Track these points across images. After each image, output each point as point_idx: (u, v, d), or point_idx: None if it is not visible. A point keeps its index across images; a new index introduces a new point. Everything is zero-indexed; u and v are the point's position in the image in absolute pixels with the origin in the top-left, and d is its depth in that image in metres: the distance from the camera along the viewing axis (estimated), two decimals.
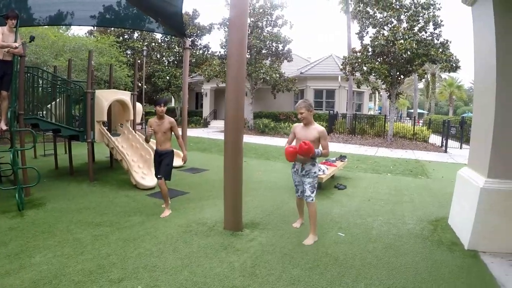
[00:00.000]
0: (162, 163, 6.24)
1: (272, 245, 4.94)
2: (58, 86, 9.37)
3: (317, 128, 5.18)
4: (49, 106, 8.92)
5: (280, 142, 17.59)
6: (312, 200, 5.13)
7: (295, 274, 4.17)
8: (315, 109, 26.38)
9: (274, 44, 24.73)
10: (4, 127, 7.00)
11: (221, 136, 20.50)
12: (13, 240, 4.39)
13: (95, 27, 27.97)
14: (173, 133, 6.38)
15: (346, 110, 25.70)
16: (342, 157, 10.20)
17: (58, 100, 9.12)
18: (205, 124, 29.74)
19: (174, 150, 6.43)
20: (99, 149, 11.47)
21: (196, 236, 5.24)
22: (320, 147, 5.16)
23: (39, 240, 4.98)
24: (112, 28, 27.68)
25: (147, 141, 6.62)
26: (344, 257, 4.71)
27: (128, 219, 5.98)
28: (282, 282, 3.97)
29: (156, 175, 6.42)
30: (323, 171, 8.04)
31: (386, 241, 5.37)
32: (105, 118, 9.05)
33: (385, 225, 6.11)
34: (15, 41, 6.77)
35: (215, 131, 24.87)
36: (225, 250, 4.77)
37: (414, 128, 22.39)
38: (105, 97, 8.95)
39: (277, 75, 24.24)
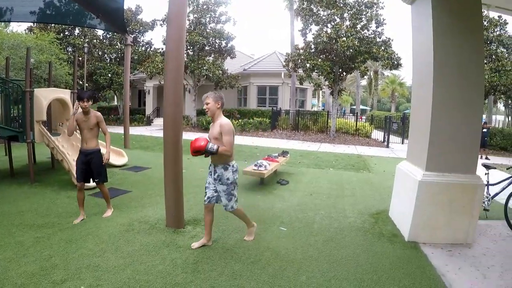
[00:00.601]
0: (92, 165, 5.85)
1: (214, 241, 5.02)
2: None
3: (221, 122, 4.54)
4: None
5: None
6: (232, 208, 4.75)
7: (237, 269, 4.29)
8: (258, 106, 27.12)
9: (217, 41, 24.73)
10: None
11: (161, 134, 20.25)
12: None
13: (35, 24, 27.07)
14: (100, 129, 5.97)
15: (290, 107, 26.21)
16: (284, 153, 10.45)
17: None
18: (148, 122, 29.30)
19: (116, 148, 6.34)
20: (40, 149, 11.11)
21: (138, 235, 5.24)
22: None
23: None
24: (53, 25, 26.73)
25: (70, 133, 5.97)
26: (286, 251, 4.87)
27: (70, 220, 5.89)
28: (224, 277, 4.07)
29: (81, 180, 5.87)
30: (265, 166, 8.19)
31: (328, 234, 5.57)
32: (44, 118, 8.78)
33: (327, 218, 6.35)
34: None
35: (158, 129, 24.55)
36: (168, 247, 4.82)
37: (356, 124, 23.23)
38: (44, 96, 8.69)
39: (220, 72, 24.26)
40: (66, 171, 8.58)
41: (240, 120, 23.16)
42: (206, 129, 23.65)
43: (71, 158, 8.34)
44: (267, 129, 23.10)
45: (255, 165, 8.27)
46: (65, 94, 9.41)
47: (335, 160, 13.26)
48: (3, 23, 22.17)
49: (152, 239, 5.11)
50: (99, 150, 5.96)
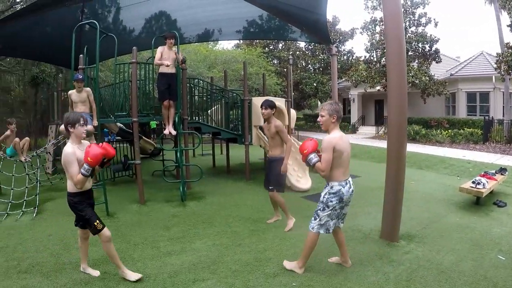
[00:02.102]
0: (271, 172, 5.72)
1: (428, 261, 4.49)
2: (215, 94, 10.45)
3: (327, 136, 4.00)
4: (208, 111, 9.84)
5: (432, 150, 16.21)
6: (312, 229, 4.05)
7: None
8: (468, 115, 24.29)
9: (420, 45, 23.15)
10: (173, 132, 7.67)
11: (370, 143, 19.88)
12: (175, 225, 4.71)
13: (241, 40, 29.62)
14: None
15: (503, 116, 22.68)
16: (502, 170, 8.95)
17: (215, 107, 10.11)
18: (353, 130, 29.14)
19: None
20: (252, 151, 11.99)
21: (351, 242, 5.04)
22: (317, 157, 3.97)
23: (199, 228, 5.33)
24: (258, 40, 28.97)
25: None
26: (504, 284, 4.00)
27: (284, 218, 5.97)
28: None
29: (266, 186, 5.85)
30: (483, 184, 7.10)
31: None
32: (261, 123, 9.42)
33: None
34: (176, 58, 7.55)
35: (363, 137, 24.14)
36: (380, 259, 4.51)
37: None
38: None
39: (427, 78, 22.49)
40: None
41: (449, 131, 21.13)
42: (413, 139, 21.41)
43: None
44: (479, 141, 20.36)
45: (473, 182, 7.28)
46: (280, 102, 9.94)
47: None
48: (212, 42, 25.32)
49: (365, 248, 4.86)
50: (282, 158, 5.61)
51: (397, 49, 5.00)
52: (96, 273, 4.14)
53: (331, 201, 3.91)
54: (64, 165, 3.73)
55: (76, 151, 3.73)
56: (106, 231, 3.87)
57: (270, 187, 5.71)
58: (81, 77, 6.84)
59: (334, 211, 3.96)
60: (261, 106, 5.64)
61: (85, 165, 3.58)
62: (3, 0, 18.94)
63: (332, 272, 4.13)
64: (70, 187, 3.83)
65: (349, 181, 3.97)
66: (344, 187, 3.90)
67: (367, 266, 4.30)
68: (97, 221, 3.84)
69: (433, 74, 23.47)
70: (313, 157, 3.91)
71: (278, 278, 3.97)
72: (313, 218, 4.04)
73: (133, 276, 3.97)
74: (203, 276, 4.06)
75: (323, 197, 3.98)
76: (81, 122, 3.81)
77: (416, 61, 23.80)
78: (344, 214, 4.17)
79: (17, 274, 4.23)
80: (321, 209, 3.97)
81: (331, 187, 3.93)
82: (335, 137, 3.88)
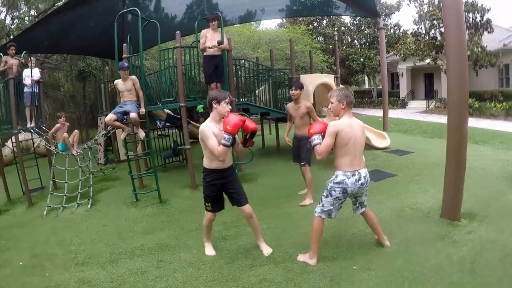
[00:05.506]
0: (302, 148, 5.85)
1: (491, 242, 4.13)
2: (262, 74, 10.22)
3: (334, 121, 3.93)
4: (256, 92, 9.66)
5: (487, 124, 15.20)
6: (315, 212, 3.90)
7: None
8: None
9: (470, 15, 21.65)
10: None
11: (421, 118, 19.06)
12: (228, 210, 4.55)
13: (284, 19, 29.09)
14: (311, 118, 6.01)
15: None
16: None
17: (262, 87, 9.88)
18: (403, 105, 28.12)
19: (378, 131, 5.94)
20: None
21: (411, 222, 4.79)
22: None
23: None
24: (301, 18, 28.41)
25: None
26: None
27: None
28: (503, 286, 3.31)
29: (295, 161, 6.19)
30: None
31: None
32: (311, 101, 9.19)
33: None
34: (221, 39, 7.31)
35: (414, 112, 23.20)
36: (442, 240, 4.22)
37: None
38: (310, 81, 9.04)
39: (479, 49, 21.18)
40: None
41: (504, 104, 19.75)
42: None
43: None
44: None
45: None
46: (329, 79, 9.66)
47: None
48: (255, 22, 25.04)
49: (425, 228, 4.57)
50: None
51: (456, 21, 4.66)
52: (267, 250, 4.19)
53: (334, 190, 3.75)
54: (202, 140, 3.77)
55: (213, 128, 3.74)
56: (208, 215, 4.14)
57: (302, 163, 5.92)
58: (126, 65, 6.83)
59: (338, 200, 3.78)
60: (291, 87, 6.01)
61: (224, 134, 3.56)
62: None
63: (392, 254, 3.92)
64: (205, 162, 3.93)
65: (358, 173, 3.70)
66: (349, 178, 3.68)
67: (429, 248, 4.05)
68: (208, 204, 4.06)
69: (485, 45, 22.11)
70: (316, 139, 3.77)
71: (337, 262, 3.82)
72: (318, 203, 3.92)
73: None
74: (260, 261, 3.98)
75: (328, 184, 3.84)
76: (227, 100, 3.80)
77: (467, 32, 22.45)
78: (360, 203, 3.98)
79: (74, 266, 4.33)
80: (325, 195, 3.83)
81: (336, 176, 3.77)
82: (342, 123, 3.68)
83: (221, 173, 3.92)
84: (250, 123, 3.78)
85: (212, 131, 3.68)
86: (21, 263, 4.58)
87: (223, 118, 3.74)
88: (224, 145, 3.54)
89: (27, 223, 6.26)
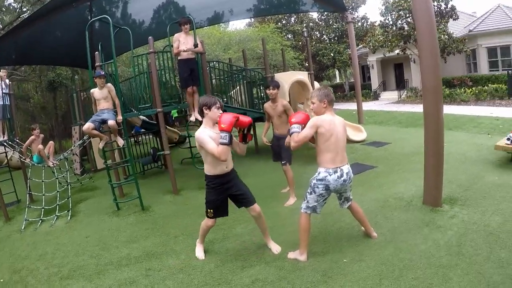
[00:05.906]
0: (282, 147, 5.86)
1: (474, 223, 4.28)
2: (235, 75, 10.31)
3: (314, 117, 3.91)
4: (230, 93, 9.71)
5: (458, 110, 15.55)
6: (301, 208, 3.94)
7: (503, 256, 3.52)
8: (490, 70, 23.38)
9: (435, 3, 22.08)
10: (200, 117, 7.56)
11: (394, 108, 19.35)
12: None
13: (253, 19, 29.20)
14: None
15: None
16: None
17: (236, 88, 9.93)
18: (375, 97, 28.49)
19: (354, 124, 6.02)
20: None
21: (396, 211, 4.90)
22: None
23: (237, 213, 5.12)
24: (269, 16, 28.54)
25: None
26: None
27: None
28: (491, 264, 3.41)
29: (275, 160, 6.32)
30: None
31: None
32: (287, 99, 9.22)
33: None
34: (194, 43, 7.29)
35: (386, 103, 23.50)
36: (427, 226, 4.35)
37: None
38: (285, 80, 9.09)
39: (446, 36, 21.70)
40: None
41: (473, 88, 20.28)
42: None
43: None
44: (504, 97, 19.46)
45: (508, 139, 6.96)
46: (303, 76, 9.71)
47: None
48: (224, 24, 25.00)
49: (410, 216, 4.69)
50: None
51: (425, 6, 4.76)
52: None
53: (317, 187, 3.78)
54: (200, 148, 3.75)
55: (208, 133, 3.73)
56: (209, 221, 4.13)
57: (283, 162, 5.95)
58: (103, 73, 6.74)
59: (321, 196, 3.81)
60: (268, 87, 6.00)
61: (220, 133, 3.54)
62: (11, 11, 19.07)
63: (381, 244, 4.00)
64: (207, 169, 3.92)
65: (340, 169, 3.74)
66: (331, 175, 3.71)
67: (416, 235, 4.16)
68: (210, 210, 4.04)
69: (451, 32, 22.66)
70: (295, 127, 3.76)
71: (327, 256, 3.86)
72: (303, 199, 3.95)
73: None
74: (251, 262, 3.97)
75: (311, 181, 3.86)
76: (218, 105, 3.78)
77: None
78: (346, 198, 4.03)
79: (59, 280, 4.21)
80: (309, 192, 3.86)
81: (318, 173, 3.80)
82: (323, 119, 3.73)
83: (224, 178, 3.93)
84: (244, 118, 3.77)
85: (208, 135, 3.68)
86: (1, 280, 4.43)
87: (216, 123, 3.74)
88: (222, 143, 3.54)
89: (5, 238, 6.04)
